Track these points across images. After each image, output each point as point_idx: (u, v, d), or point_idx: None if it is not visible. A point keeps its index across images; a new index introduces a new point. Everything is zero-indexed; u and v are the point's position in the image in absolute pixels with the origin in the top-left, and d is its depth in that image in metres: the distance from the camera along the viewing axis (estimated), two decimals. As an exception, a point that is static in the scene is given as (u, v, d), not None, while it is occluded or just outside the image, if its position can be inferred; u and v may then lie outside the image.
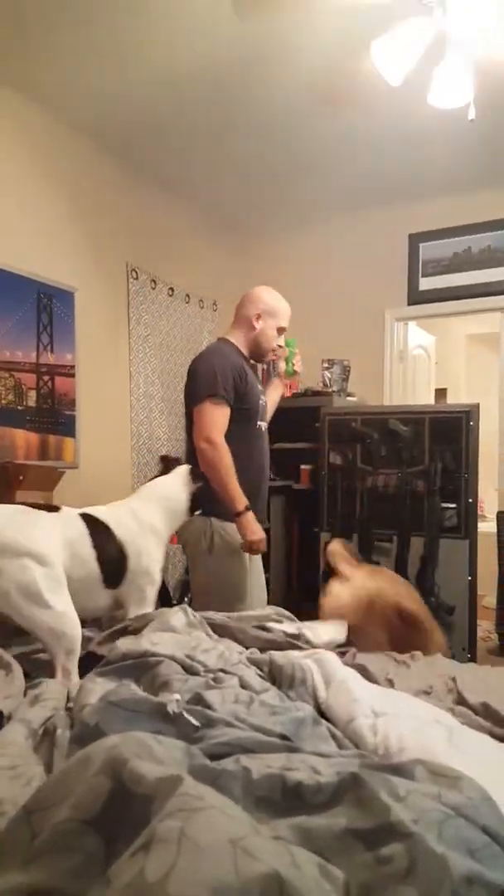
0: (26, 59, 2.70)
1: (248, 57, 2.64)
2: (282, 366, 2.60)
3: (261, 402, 2.40)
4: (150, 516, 1.88)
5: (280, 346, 2.45)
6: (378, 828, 0.78)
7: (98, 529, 1.72)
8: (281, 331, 2.42)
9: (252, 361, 2.44)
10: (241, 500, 2.16)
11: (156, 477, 2.10)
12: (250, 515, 2.18)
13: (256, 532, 2.19)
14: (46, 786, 0.76)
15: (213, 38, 2.52)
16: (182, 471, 2.04)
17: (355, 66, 2.61)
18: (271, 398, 2.61)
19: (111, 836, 0.67)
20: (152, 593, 1.85)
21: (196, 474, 2.05)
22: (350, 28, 2.43)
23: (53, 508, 1.71)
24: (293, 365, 2.58)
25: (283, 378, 2.68)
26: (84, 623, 1.72)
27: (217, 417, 2.18)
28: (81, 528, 1.68)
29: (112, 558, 1.73)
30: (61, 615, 1.48)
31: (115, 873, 0.59)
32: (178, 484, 1.99)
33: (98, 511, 1.78)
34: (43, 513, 1.62)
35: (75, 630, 1.50)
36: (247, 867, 0.58)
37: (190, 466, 2.08)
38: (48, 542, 1.53)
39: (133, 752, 0.72)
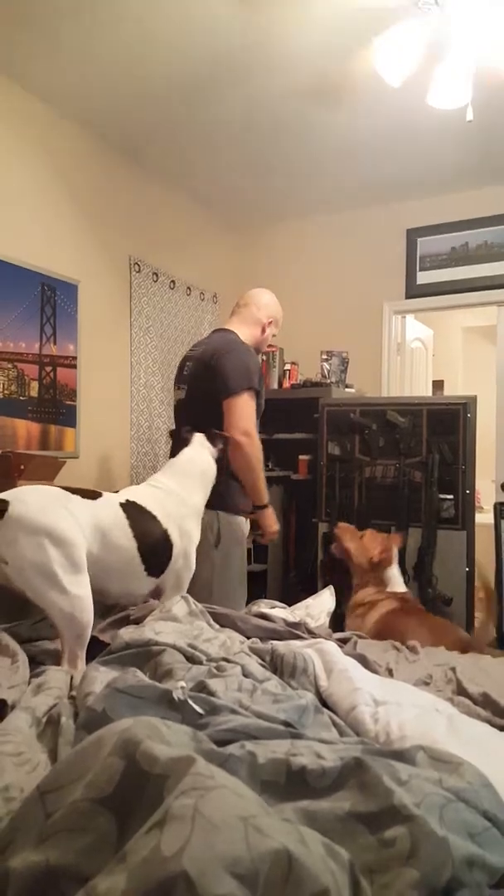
0: (31, 55, 2.69)
1: (249, 54, 2.63)
2: None
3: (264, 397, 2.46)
4: (191, 495, 1.88)
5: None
6: (381, 811, 0.80)
7: (142, 518, 1.70)
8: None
9: None
10: (267, 493, 2.28)
11: (175, 451, 2.07)
12: (271, 508, 2.31)
13: (275, 524, 2.35)
14: (60, 767, 0.78)
15: (215, 35, 2.51)
16: (202, 439, 2.01)
17: (356, 64, 2.61)
18: None
19: (124, 815, 0.69)
20: (188, 578, 1.85)
21: (213, 437, 2.03)
22: (350, 27, 2.42)
23: (94, 494, 1.68)
24: None
25: None
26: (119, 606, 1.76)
27: (252, 411, 2.22)
28: (118, 516, 1.66)
29: (156, 547, 1.72)
30: (74, 598, 1.46)
31: (131, 848, 0.61)
32: (204, 453, 1.98)
33: (142, 498, 1.76)
34: (75, 497, 1.59)
35: (87, 615, 1.49)
36: (258, 843, 0.60)
37: (206, 432, 2.04)
38: (71, 525, 1.50)
39: (145, 734, 0.74)
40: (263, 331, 2.47)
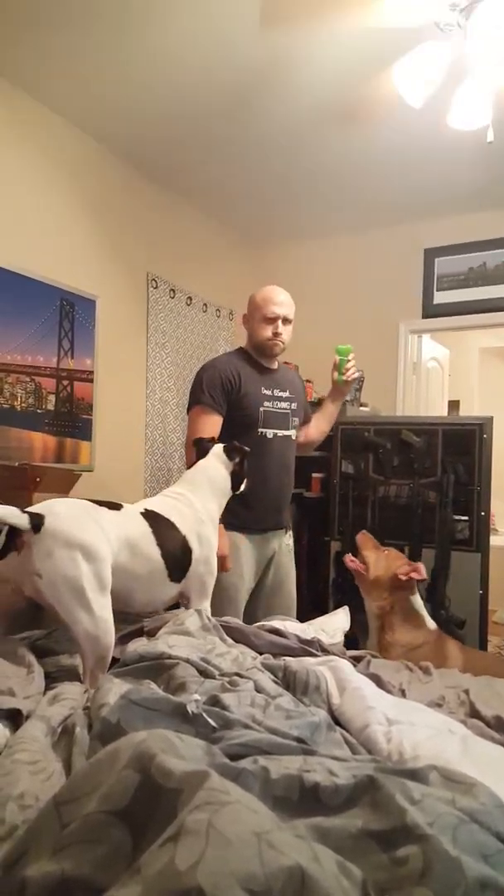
0: (51, 74, 2.77)
1: (268, 72, 2.68)
2: (334, 374, 2.53)
3: (263, 408, 2.38)
4: (206, 504, 1.90)
5: (277, 334, 2.36)
6: (393, 830, 0.79)
7: (162, 526, 1.72)
8: (271, 320, 2.35)
9: (268, 362, 2.47)
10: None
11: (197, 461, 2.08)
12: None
13: (224, 548, 2.12)
14: (75, 778, 0.78)
15: (235, 53, 2.57)
16: (218, 450, 2.03)
17: (376, 84, 2.66)
18: (327, 409, 2.65)
19: (138, 828, 0.69)
20: (211, 583, 1.87)
21: (230, 451, 2.04)
22: (371, 47, 2.47)
23: (115, 506, 1.69)
24: (344, 374, 2.50)
25: (336, 386, 2.58)
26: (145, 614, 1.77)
27: (195, 425, 2.30)
28: (144, 527, 1.68)
29: (177, 553, 1.74)
30: (99, 620, 1.46)
31: (146, 862, 0.61)
32: (219, 465, 2.00)
33: (159, 506, 1.79)
34: (105, 510, 1.60)
35: (109, 637, 1.48)
36: (272, 859, 0.60)
37: (224, 445, 2.06)
38: (101, 540, 1.51)
39: (159, 748, 0.75)
40: (247, 330, 2.45)
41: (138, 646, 1.50)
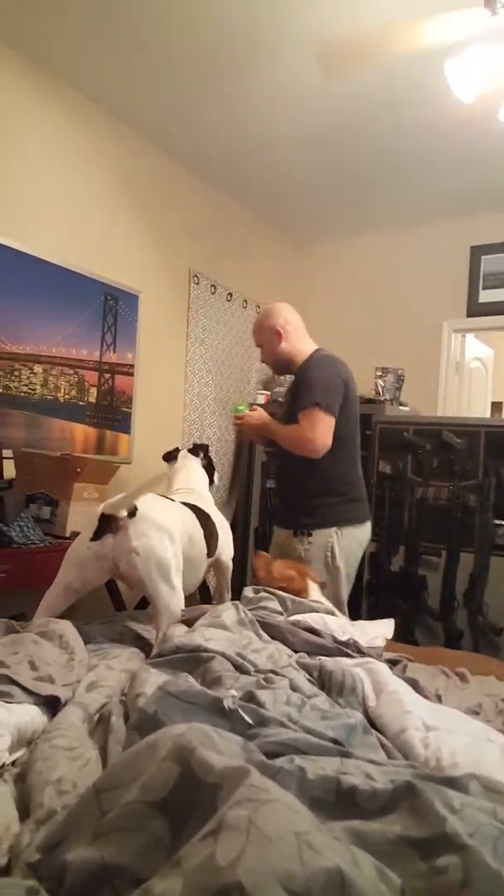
0: (103, 71, 2.80)
1: (317, 65, 2.65)
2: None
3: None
4: (207, 493, 2.27)
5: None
6: (433, 838, 0.78)
7: (199, 514, 2.00)
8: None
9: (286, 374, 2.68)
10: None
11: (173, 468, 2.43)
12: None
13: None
14: (115, 767, 0.79)
15: (287, 50, 2.56)
16: (185, 453, 2.46)
17: (423, 78, 2.61)
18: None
19: (178, 820, 0.69)
20: (231, 550, 2.23)
21: (195, 450, 2.48)
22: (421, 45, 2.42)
23: (170, 500, 1.98)
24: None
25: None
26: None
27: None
28: (191, 515, 1.96)
29: (212, 535, 2.04)
30: (175, 594, 1.70)
31: (186, 854, 0.62)
32: (195, 464, 2.41)
33: (188, 499, 2.08)
34: (167, 500, 1.92)
35: (179, 608, 1.71)
36: (312, 860, 0.60)
37: (189, 447, 2.51)
38: (176, 525, 1.78)
39: (199, 742, 0.75)
40: None
41: (175, 637, 1.51)
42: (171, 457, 2.48)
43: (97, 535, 1.66)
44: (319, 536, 2.31)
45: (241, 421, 2.48)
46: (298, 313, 2.51)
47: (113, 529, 1.65)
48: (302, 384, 2.32)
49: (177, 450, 2.51)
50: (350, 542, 2.35)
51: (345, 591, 2.36)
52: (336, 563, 2.30)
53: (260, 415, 2.46)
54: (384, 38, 2.22)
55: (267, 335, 2.43)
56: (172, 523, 1.76)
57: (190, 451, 2.47)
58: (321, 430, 2.22)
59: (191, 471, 2.36)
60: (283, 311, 2.45)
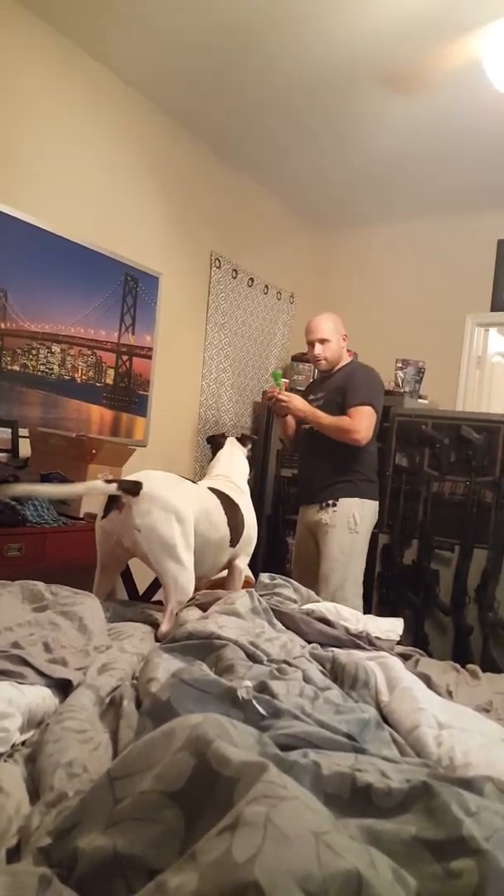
0: (132, 52, 2.75)
1: (348, 57, 2.59)
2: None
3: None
4: (243, 482, 2.29)
5: (314, 355, 2.80)
6: (448, 840, 0.77)
7: (225, 501, 2.02)
8: (309, 344, 2.80)
9: (324, 372, 2.86)
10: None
11: (215, 453, 2.44)
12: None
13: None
14: (129, 754, 0.78)
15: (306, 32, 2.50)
16: (233, 440, 2.45)
17: (455, 66, 2.54)
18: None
19: (192, 812, 0.68)
20: (253, 545, 2.24)
21: (243, 440, 2.48)
22: (453, 24, 2.35)
23: (193, 482, 2.00)
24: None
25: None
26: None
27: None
28: (215, 500, 1.97)
29: (237, 523, 2.05)
30: (184, 570, 1.72)
31: (201, 849, 0.61)
32: (239, 452, 2.41)
33: (216, 485, 2.10)
34: (187, 482, 1.92)
35: (191, 585, 1.74)
36: (330, 861, 0.58)
37: (238, 436, 2.51)
38: (188, 506, 1.78)
39: (215, 733, 0.74)
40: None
41: (188, 622, 1.51)
42: (214, 440, 2.50)
43: (105, 513, 1.74)
44: (344, 505, 2.69)
45: (286, 402, 2.67)
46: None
47: (118, 506, 1.71)
48: (352, 384, 2.70)
49: (223, 435, 2.52)
50: (368, 513, 2.75)
51: (362, 558, 2.75)
52: (357, 529, 2.69)
53: (302, 401, 2.73)
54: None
55: (337, 336, 2.79)
56: (181, 503, 1.75)
57: (238, 439, 2.49)
58: (367, 424, 2.62)
59: (234, 459, 2.37)
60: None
